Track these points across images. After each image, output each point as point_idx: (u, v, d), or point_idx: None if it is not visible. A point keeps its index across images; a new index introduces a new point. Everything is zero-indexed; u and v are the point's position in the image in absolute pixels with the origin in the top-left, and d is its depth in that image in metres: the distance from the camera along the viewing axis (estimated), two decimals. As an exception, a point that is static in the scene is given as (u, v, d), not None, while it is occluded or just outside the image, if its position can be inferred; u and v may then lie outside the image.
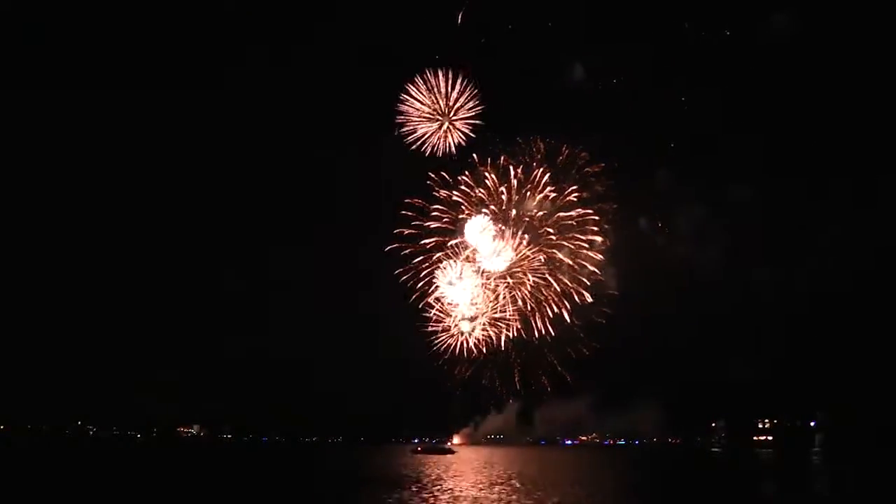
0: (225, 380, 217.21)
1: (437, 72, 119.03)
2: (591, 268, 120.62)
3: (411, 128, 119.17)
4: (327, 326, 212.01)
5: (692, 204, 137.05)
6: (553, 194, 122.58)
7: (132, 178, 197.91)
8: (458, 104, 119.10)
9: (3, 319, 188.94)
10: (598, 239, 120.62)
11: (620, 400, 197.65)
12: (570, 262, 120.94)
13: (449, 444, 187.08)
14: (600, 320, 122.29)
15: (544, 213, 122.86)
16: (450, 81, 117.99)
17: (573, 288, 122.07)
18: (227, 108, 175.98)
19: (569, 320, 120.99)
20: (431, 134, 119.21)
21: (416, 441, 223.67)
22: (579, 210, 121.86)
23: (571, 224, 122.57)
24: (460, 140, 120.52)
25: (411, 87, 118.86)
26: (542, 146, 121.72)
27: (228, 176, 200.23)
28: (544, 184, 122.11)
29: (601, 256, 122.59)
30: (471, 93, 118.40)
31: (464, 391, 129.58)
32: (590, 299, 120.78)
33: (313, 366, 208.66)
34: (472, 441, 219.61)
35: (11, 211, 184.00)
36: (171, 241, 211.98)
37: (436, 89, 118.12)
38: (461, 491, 51.23)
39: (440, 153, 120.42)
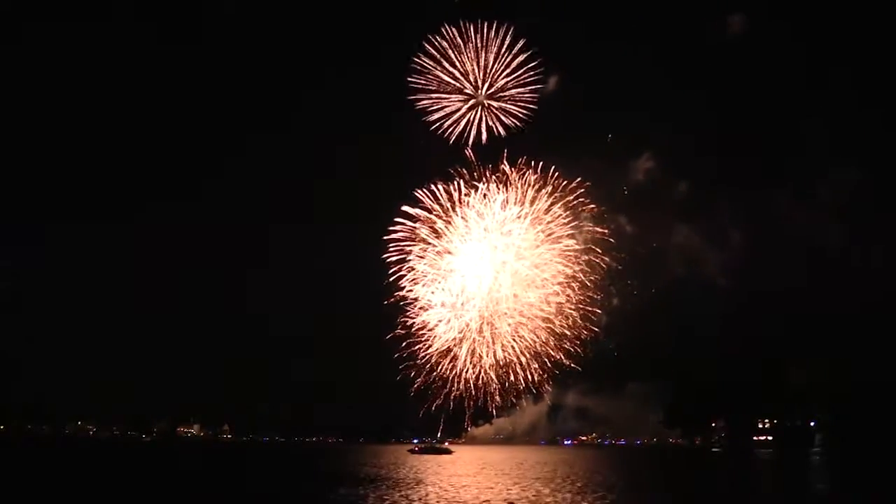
0: (225, 380, 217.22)
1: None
2: None
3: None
4: (328, 326, 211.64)
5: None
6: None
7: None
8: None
9: (1, 321, 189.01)
10: None
11: (663, 397, 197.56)
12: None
13: (447, 444, 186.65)
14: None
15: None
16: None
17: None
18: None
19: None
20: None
21: (415, 441, 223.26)
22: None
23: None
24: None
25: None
26: None
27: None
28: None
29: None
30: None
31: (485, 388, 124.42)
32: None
33: (314, 365, 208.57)
34: (469, 442, 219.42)
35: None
36: (173, 238, 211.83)
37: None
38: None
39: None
